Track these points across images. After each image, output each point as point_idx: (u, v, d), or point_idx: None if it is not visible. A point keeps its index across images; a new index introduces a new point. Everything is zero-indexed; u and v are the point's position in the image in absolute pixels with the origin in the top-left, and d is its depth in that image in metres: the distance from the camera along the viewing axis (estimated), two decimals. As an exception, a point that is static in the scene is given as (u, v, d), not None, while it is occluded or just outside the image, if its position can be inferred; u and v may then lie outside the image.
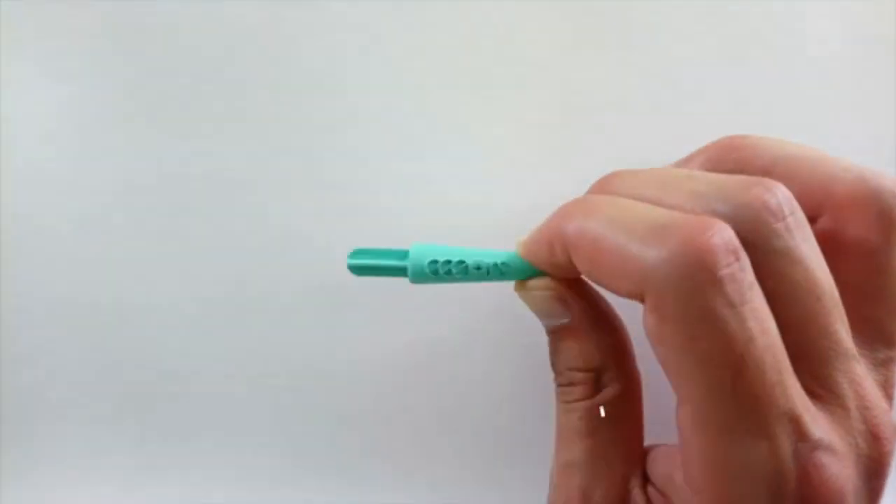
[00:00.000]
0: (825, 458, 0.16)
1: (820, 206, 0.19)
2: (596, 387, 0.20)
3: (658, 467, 0.19)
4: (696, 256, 0.15)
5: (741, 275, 0.15)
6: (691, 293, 0.15)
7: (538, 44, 0.25)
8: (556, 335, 0.20)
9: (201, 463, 0.25)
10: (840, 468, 0.16)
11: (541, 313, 0.20)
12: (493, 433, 0.25)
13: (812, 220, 0.18)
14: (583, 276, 0.19)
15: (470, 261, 0.20)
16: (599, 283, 0.18)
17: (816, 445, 0.16)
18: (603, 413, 0.19)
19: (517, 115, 0.25)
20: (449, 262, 0.20)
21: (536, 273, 0.20)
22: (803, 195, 0.17)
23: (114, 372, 0.25)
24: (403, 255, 0.20)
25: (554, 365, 0.21)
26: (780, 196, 0.16)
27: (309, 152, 0.24)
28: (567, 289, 0.20)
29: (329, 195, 0.24)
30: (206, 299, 0.25)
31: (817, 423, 0.16)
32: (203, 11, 0.24)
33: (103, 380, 0.25)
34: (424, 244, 0.20)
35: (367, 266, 0.20)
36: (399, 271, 0.20)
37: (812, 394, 0.16)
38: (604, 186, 0.20)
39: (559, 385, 0.20)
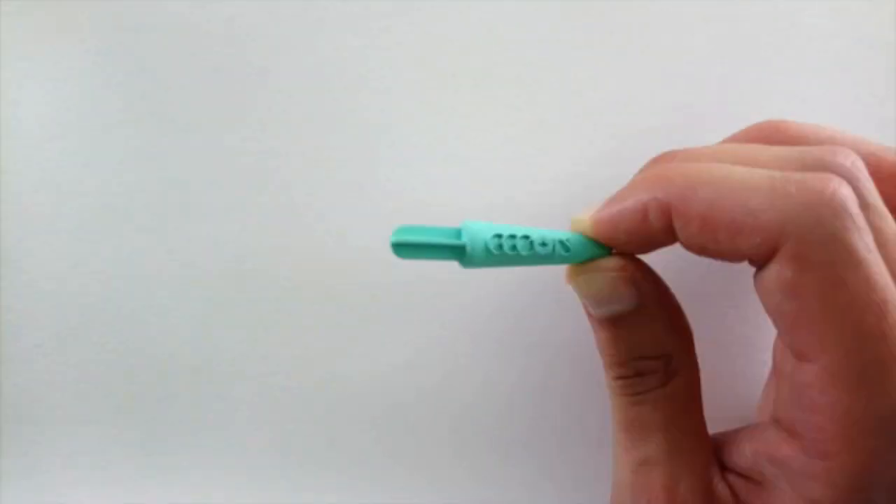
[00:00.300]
0: None
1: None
2: (667, 373, 0.18)
3: (745, 450, 0.18)
4: (838, 202, 0.15)
5: (865, 222, 0.15)
6: (837, 237, 0.15)
7: (540, 43, 0.25)
8: (614, 324, 0.18)
9: (202, 463, 0.25)
10: None
11: (604, 299, 0.18)
12: (498, 433, 0.25)
13: None
14: (683, 245, 0.18)
15: (535, 235, 0.18)
16: (711, 247, 0.16)
17: None
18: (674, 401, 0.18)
19: (518, 114, 0.25)
20: (514, 236, 0.17)
21: (598, 254, 0.18)
22: None
23: (114, 372, 0.25)
24: (455, 233, 0.17)
25: (613, 357, 0.19)
26: (857, 159, 0.17)
27: (310, 152, 0.24)
28: (637, 269, 0.18)
29: (330, 195, 0.24)
30: (207, 299, 0.25)
31: None
32: (203, 11, 0.24)
33: (103, 380, 0.25)
34: (477, 221, 0.17)
35: (414, 244, 0.17)
36: (452, 251, 0.17)
37: None
38: (669, 160, 0.19)
39: (623, 377, 0.19)
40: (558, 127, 0.25)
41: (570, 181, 0.25)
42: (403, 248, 0.17)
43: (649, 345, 0.18)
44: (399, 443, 0.25)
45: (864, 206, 0.16)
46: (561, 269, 0.20)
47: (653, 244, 0.18)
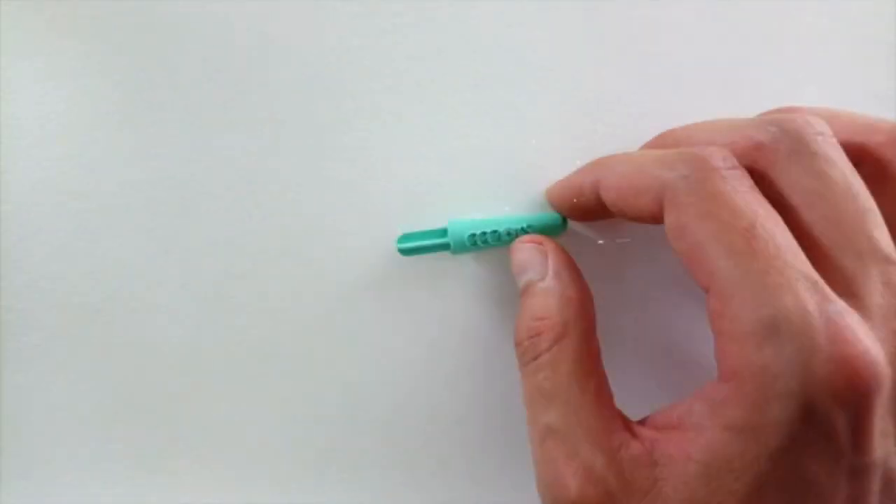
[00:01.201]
0: (854, 322, 0.16)
1: (861, 152, 0.20)
2: (555, 337, 0.20)
3: (674, 409, 0.19)
4: (700, 160, 0.18)
5: (742, 176, 0.18)
6: (702, 181, 0.18)
7: (542, 43, 0.25)
8: (525, 293, 0.22)
9: (202, 464, 0.25)
10: (871, 339, 0.16)
11: (523, 266, 0.22)
12: (498, 434, 0.25)
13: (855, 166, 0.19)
14: (609, 209, 0.21)
15: (501, 228, 0.23)
16: (627, 210, 0.20)
17: (844, 309, 0.16)
18: (568, 366, 0.19)
19: (517, 114, 0.25)
20: (485, 232, 0.23)
21: (555, 229, 0.24)
22: (845, 144, 0.19)
23: (114, 372, 0.25)
24: (443, 232, 0.24)
25: (517, 326, 0.21)
26: (817, 120, 0.19)
27: (311, 151, 0.24)
28: (549, 243, 0.22)
29: (330, 194, 0.24)
30: (207, 299, 0.25)
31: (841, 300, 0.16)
32: (203, 11, 0.24)
33: (103, 380, 0.25)
34: (459, 220, 0.24)
35: (414, 248, 0.24)
36: (442, 247, 0.23)
37: (838, 294, 0.17)
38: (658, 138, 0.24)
39: (519, 344, 0.21)
40: (558, 127, 0.25)
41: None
42: (406, 251, 0.24)
43: (542, 308, 0.21)
44: (399, 443, 0.25)
45: (802, 153, 0.18)
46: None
47: (590, 211, 0.22)
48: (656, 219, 0.19)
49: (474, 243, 0.23)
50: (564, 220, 0.24)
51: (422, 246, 0.24)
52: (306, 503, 0.25)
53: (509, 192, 0.25)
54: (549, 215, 0.24)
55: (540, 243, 0.22)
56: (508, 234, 0.23)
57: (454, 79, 0.24)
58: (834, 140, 0.19)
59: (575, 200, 0.22)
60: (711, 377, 0.18)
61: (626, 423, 0.19)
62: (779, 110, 0.23)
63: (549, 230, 0.23)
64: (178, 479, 0.25)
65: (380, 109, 0.24)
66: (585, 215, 0.23)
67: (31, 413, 0.25)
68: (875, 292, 0.17)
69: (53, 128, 0.24)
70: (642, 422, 0.19)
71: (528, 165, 0.25)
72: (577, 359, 0.19)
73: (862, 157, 0.20)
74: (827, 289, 0.16)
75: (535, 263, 0.22)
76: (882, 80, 0.25)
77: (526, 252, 0.22)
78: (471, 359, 0.25)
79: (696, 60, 0.25)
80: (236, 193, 0.24)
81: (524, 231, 0.23)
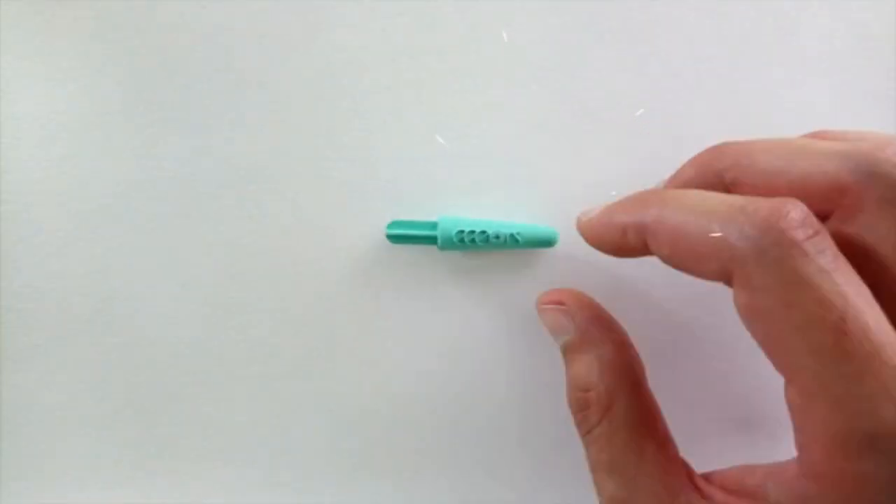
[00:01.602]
0: None
1: (824, 205, 0.17)
2: (601, 409, 0.19)
3: (729, 475, 0.18)
4: (778, 227, 0.15)
5: (824, 244, 0.15)
6: (780, 259, 0.15)
7: (538, 44, 0.25)
8: (564, 356, 0.20)
9: (202, 464, 0.25)
10: None
11: (551, 329, 0.21)
12: (499, 435, 0.25)
13: (823, 219, 0.17)
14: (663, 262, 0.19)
15: (490, 230, 0.23)
16: (681, 268, 0.18)
17: None
18: (622, 439, 0.18)
19: (516, 114, 0.25)
20: (473, 231, 0.23)
21: (546, 242, 0.23)
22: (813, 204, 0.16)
23: (114, 372, 0.25)
24: (433, 226, 0.24)
25: (567, 395, 0.20)
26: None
27: (311, 151, 0.24)
28: (572, 300, 0.21)
29: (330, 194, 0.24)
30: (207, 299, 0.25)
31: None
32: (203, 11, 0.24)
33: (103, 380, 0.25)
34: (451, 216, 0.24)
35: (402, 235, 0.24)
36: (430, 240, 0.23)
37: None
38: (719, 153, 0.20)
39: (574, 417, 0.20)
40: (557, 127, 0.25)
41: (566, 180, 0.25)
42: (395, 238, 0.24)
43: (584, 377, 0.19)
44: (400, 443, 0.25)
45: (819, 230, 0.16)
46: (558, 273, 0.24)
47: (632, 255, 0.19)
48: (725, 283, 0.17)
49: (461, 241, 0.23)
50: (556, 233, 0.24)
51: (410, 235, 0.23)
52: (306, 503, 0.25)
53: (509, 193, 0.25)
54: (542, 228, 0.24)
55: (561, 303, 0.21)
56: (497, 237, 0.23)
57: (454, 79, 0.24)
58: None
59: (614, 242, 0.20)
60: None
61: (693, 480, 0.18)
62: (846, 134, 0.20)
63: (541, 241, 0.24)
64: (177, 479, 0.25)
65: (379, 109, 0.24)
66: (624, 255, 0.20)
67: (31, 413, 0.25)
68: None
69: (53, 128, 0.24)
70: (709, 476, 0.19)
71: (529, 166, 0.25)
72: (630, 425, 0.19)
73: (828, 210, 0.18)
74: None
75: (562, 326, 0.21)
76: (882, 80, 0.25)
77: (549, 315, 0.21)
78: (472, 359, 0.25)
79: (697, 60, 0.25)
80: (235, 193, 0.24)
81: (513, 237, 0.23)
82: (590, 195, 0.24)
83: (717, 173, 0.20)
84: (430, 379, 0.25)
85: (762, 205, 0.16)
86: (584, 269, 0.24)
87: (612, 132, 0.25)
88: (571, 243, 0.24)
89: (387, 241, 0.24)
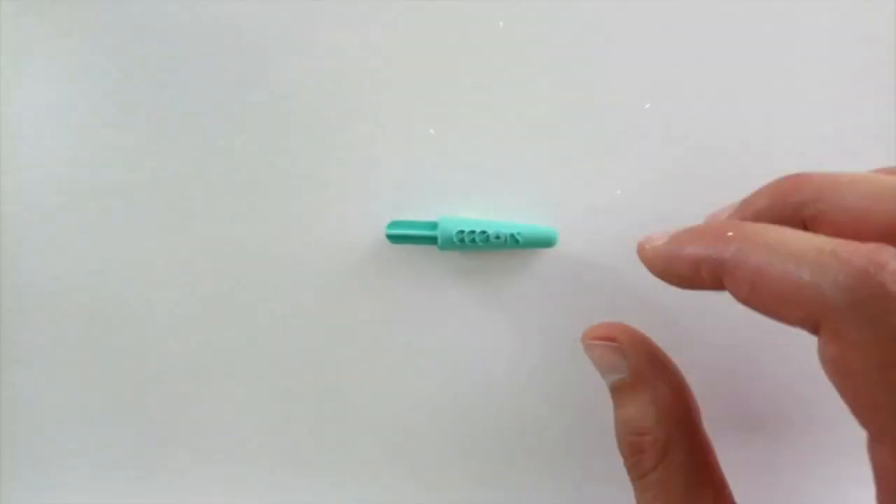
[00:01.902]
0: None
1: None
2: (657, 454, 0.18)
3: None
4: (875, 284, 0.14)
5: None
6: (880, 317, 0.14)
7: (538, 44, 0.25)
8: (615, 395, 0.19)
9: (202, 463, 0.25)
10: None
11: (600, 366, 0.20)
12: (501, 435, 0.25)
13: None
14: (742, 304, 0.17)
15: (490, 230, 0.23)
16: (760, 310, 0.16)
17: None
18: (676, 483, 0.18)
19: (514, 114, 0.25)
20: (473, 231, 0.23)
21: (546, 242, 0.24)
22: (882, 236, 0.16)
23: (114, 372, 0.25)
24: (433, 226, 0.24)
25: (617, 437, 0.19)
26: None
27: (311, 151, 0.24)
28: (625, 337, 0.19)
29: (330, 194, 0.24)
30: (206, 299, 0.25)
31: None
32: (203, 11, 0.24)
33: (103, 380, 0.25)
34: (451, 216, 0.24)
35: (402, 235, 0.24)
36: (430, 240, 0.23)
37: None
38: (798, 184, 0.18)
39: (626, 458, 0.19)
40: (557, 127, 0.25)
41: (566, 180, 0.25)
42: (395, 238, 0.24)
43: (639, 421, 0.19)
44: (400, 443, 0.25)
45: None
46: (558, 273, 0.24)
47: (700, 289, 0.18)
48: (808, 330, 0.16)
49: (461, 241, 0.23)
50: (556, 233, 0.24)
51: (410, 235, 0.24)
52: (306, 502, 0.25)
53: (509, 193, 0.25)
54: (542, 228, 0.24)
55: (612, 339, 0.19)
56: (497, 237, 0.23)
57: (454, 79, 0.24)
58: None
59: (684, 276, 0.18)
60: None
61: None
62: None
63: (541, 241, 0.24)
64: (177, 479, 0.25)
65: (379, 109, 0.24)
66: (692, 289, 0.19)
67: (31, 413, 0.25)
68: None
69: (53, 128, 0.24)
70: None
71: (529, 166, 0.25)
72: (687, 472, 0.18)
73: None
74: None
75: (614, 365, 0.19)
76: (882, 80, 0.25)
77: (598, 351, 0.20)
78: (472, 359, 0.25)
79: (696, 60, 0.25)
80: (235, 193, 0.24)
81: (513, 237, 0.23)
82: (590, 195, 0.24)
83: (796, 206, 0.18)
84: (430, 379, 0.25)
85: (857, 251, 0.14)
86: (584, 269, 0.24)
87: (613, 132, 0.25)
88: (571, 243, 0.24)
89: (387, 241, 0.24)
